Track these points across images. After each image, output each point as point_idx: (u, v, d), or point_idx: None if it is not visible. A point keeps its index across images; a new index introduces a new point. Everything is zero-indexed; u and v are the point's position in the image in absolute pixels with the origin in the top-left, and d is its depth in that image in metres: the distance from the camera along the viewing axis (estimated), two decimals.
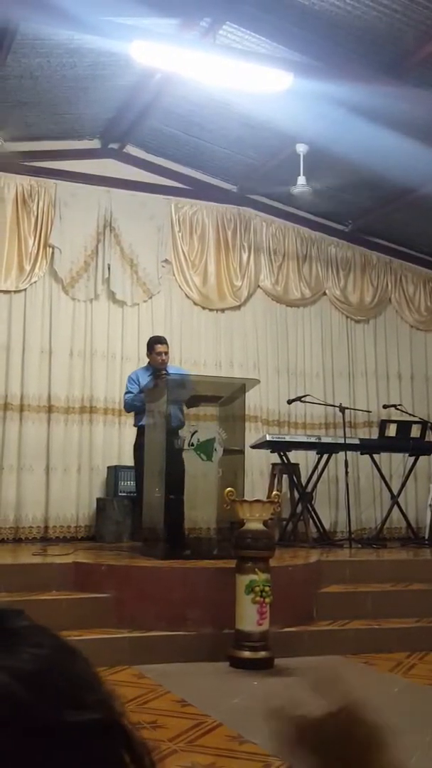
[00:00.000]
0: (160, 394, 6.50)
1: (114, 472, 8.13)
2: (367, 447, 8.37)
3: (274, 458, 8.16)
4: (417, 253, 10.22)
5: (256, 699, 4.28)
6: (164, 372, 6.73)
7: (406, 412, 8.70)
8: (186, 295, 9.01)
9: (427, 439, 8.46)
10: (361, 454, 8.63)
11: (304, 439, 8.30)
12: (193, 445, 6.23)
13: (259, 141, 8.20)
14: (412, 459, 8.41)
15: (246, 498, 5.40)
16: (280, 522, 7.93)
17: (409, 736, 3.68)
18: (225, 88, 6.96)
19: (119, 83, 7.48)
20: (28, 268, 8.28)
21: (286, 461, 7.92)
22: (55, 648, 0.53)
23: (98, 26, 5.88)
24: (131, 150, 8.92)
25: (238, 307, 9.24)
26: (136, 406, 6.91)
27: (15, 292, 8.25)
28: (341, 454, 8.11)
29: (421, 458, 8.54)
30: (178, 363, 8.09)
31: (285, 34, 6.48)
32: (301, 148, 7.89)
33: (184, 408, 6.69)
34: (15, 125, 7.84)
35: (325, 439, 8.23)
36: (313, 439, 8.20)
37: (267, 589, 4.87)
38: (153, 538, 6.32)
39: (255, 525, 5.02)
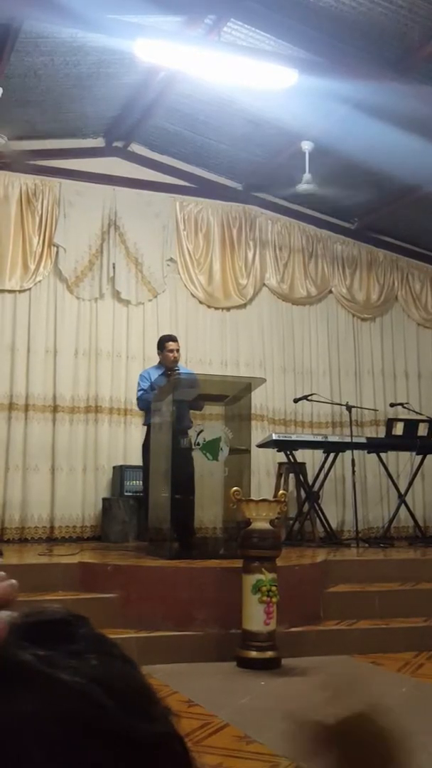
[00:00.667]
0: (169, 392, 6.47)
1: (119, 471, 8.11)
2: (374, 446, 8.34)
3: (281, 457, 8.13)
4: (423, 250, 10.18)
5: (263, 699, 4.26)
6: (176, 370, 6.72)
7: (413, 411, 8.66)
8: (191, 293, 8.99)
9: None
10: (368, 452, 8.60)
11: (310, 438, 8.28)
12: (198, 444, 6.20)
13: (265, 138, 8.18)
14: (420, 458, 8.38)
15: (252, 497, 5.38)
16: (286, 521, 7.90)
17: (417, 736, 3.65)
18: (230, 86, 6.94)
19: (123, 81, 7.46)
20: (32, 267, 8.27)
21: (292, 460, 7.89)
22: (121, 658, 0.53)
23: (102, 24, 5.87)
24: (136, 148, 8.90)
25: (244, 306, 9.21)
26: (149, 402, 6.89)
27: (20, 291, 8.24)
28: (348, 453, 8.08)
29: (429, 457, 8.50)
30: (183, 362, 8.06)
31: (290, 30, 6.45)
32: (307, 146, 7.86)
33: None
34: (19, 124, 7.83)
35: (331, 438, 8.20)
36: (319, 438, 8.17)
37: (274, 588, 4.84)
38: (162, 538, 6.31)
39: (261, 524, 4.99)
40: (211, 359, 8.87)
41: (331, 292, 9.70)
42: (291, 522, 8.05)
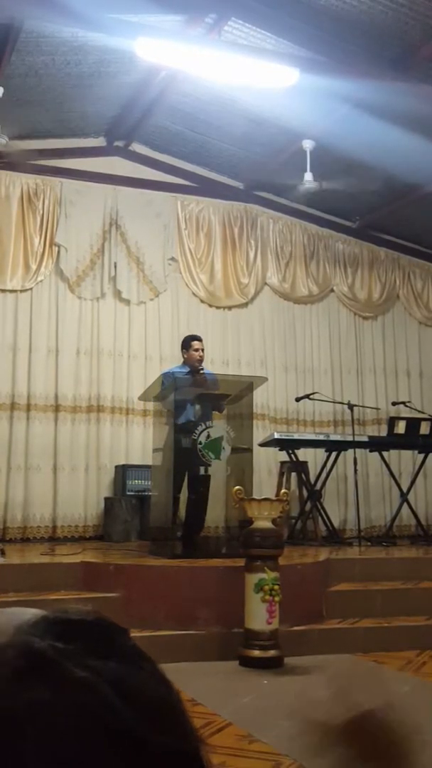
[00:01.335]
0: (170, 393, 6.48)
1: (122, 471, 8.11)
2: (376, 444, 8.34)
3: (283, 456, 8.13)
4: (425, 248, 10.17)
5: (266, 698, 4.26)
6: (201, 370, 6.71)
7: (415, 409, 8.66)
8: (193, 293, 8.99)
9: None
10: (370, 451, 8.59)
11: (312, 436, 8.27)
12: (201, 443, 6.20)
13: (266, 137, 8.17)
14: (422, 456, 8.37)
15: (254, 496, 5.38)
16: (288, 520, 7.89)
17: (420, 735, 3.66)
18: (231, 85, 6.94)
19: (124, 80, 7.46)
20: (34, 267, 8.27)
21: (294, 459, 7.89)
22: (152, 673, 0.52)
23: (103, 23, 5.86)
24: (137, 147, 8.90)
25: (245, 305, 9.21)
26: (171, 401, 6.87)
27: (21, 291, 8.25)
28: (350, 452, 8.08)
29: (431, 455, 8.50)
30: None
31: (291, 29, 6.45)
32: (308, 145, 7.85)
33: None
34: (20, 124, 7.82)
35: (333, 437, 8.19)
36: (321, 437, 8.16)
37: (276, 587, 4.84)
38: (186, 536, 6.41)
39: (264, 523, 5.00)
40: (213, 358, 8.86)
41: (332, 290, 9.70)
42: (293, 521, 8.05)
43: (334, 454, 8.10)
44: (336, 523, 8.50)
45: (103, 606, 5.24)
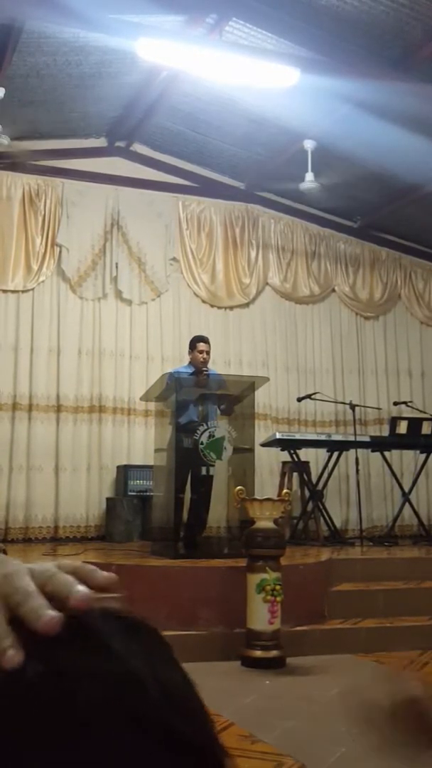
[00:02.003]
0: (172, 393, 6.48)
1: (123, 471, 8.12)
2: (377, 444, 8.33)
3: (284, 456, 8.13)
4: (426, 248, 10.17)
5: (268, 698, 4.26)
6: (205, 371, 6.71)
7: (417, 409, 8.66)
8: (194, 293, 8.99)
9: None
10: (372, 451, 8.59)
11: (314, 436, 8.26)
12: (203, 443, 6.21)
13: (267, 137, 8.17)
14: (423, 456, 8.37)
15: (256, 496, 5.38)
16: (290, 520, 7.90)
17: None
18: (232, 85, 6.94)
19: (125, 81, 7.46)
20: (35, 267, 8.27)
21: (296, 459, 7.89)
22: (185, 676, 0.54)
23: (104, 24, 5.86)
24: (138, 148, 8.90)
25: (247, 305, 9.21)
26: (175, 401, 6.86)
27: (23, 291, 8.25)
28: (352, 452, 8.08)
29: None
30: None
31: (292, 29, 6.45)
32: (309, 145, 7.86)
33: (217, 411, 6.64)
34: (22, 124, 7.83)
35: (335, 437, 8.19)
36: (323, 437, 8.16)
37: (278, 587, 4.84)
38: (188, 536, 6.43)
39: (265, 523, 5.00)
40: (215, 358, 8.82)
41: (334, 290, 9.70)
42: (295, 521, 8.05)
43: (335, 454, 8.10)
44: (338, 523, 8.50)
45: None
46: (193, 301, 9.00)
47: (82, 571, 0.54)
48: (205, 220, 9.14)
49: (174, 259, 8.90)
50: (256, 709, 4.03)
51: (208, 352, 6.89)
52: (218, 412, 6.60)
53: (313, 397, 8.34)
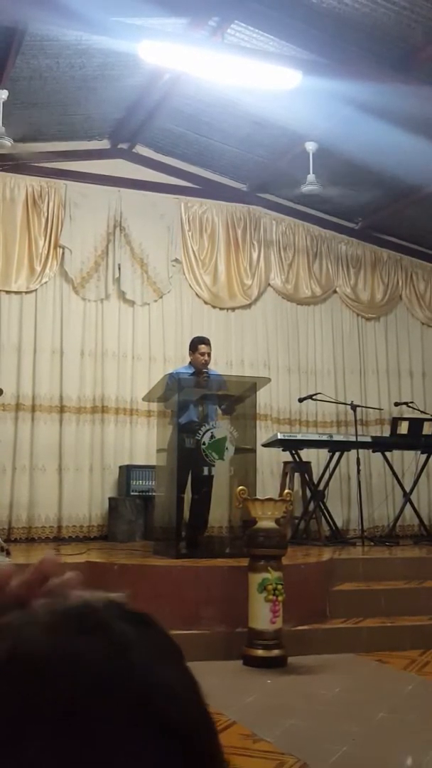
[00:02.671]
0: (173, 394, 6.51)
1: (126, 471, 8.15)
2: (378, 445, 8.35)
3: (286, 456, 8.15)
4: (427, 249, 10.19)
5: (269, 697, 4.29)
6: (205, 372, 6.74)
7: (418, 410, 8.68)
8: (196, 294, 9.02)
9: None
10: (373, 451, 8.61)
11: (315, 437, 8.28)
12: (205, 443, 6.23)
13: (269, 139, 8.20)
14: (425, 456, 8.39)
15: (258, 497, 5.40)
16: (292, 520, 7.92)
17: (423, 734, 3.68)
18: (234, 87, 6.96)
19: (128, 83, 7.49)
20: (38, 268, 8.30)
21: (297, 459, 7.91)
22: (186, 671, 0.55)
23: (107, 27, 5.89)
24: (141, 150, 8.93)
25: (249, 306, 9.24)
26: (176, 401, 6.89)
27: (26, 292, 8.28)
28: (353, 452, 8.10)
29: None
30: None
31: (293, 31, 6.47)
32: (311, 146, 7.88)
33: (218, 411, 6.66)
34: (24, 126, 7.86)
35: (336, 437, 8.21)
36: (324, 437, 8.18)
37: (280, 587, 4.87)
38: (190, 537, 6.46)
39: (267, 523, 5.02)
40: (216, 359, 8.86)
41: (335, 291, 9.72)
42: (296, 521, 8.08)
43: (337, 454, 8.12)
44: (339, 523, 8.53)
45: None
46: (195, 302, 9.03)
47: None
48: (207, 221, 9.16)
49: (176, 260, 8.93)
50: (258, 708, 4.05)
51: (209, 354, 6.91)
52: (219, 412, 6.64)
53: (314, 397, 8.36)
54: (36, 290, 8.32)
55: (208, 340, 7.05)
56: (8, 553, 6.30)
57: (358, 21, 6.26)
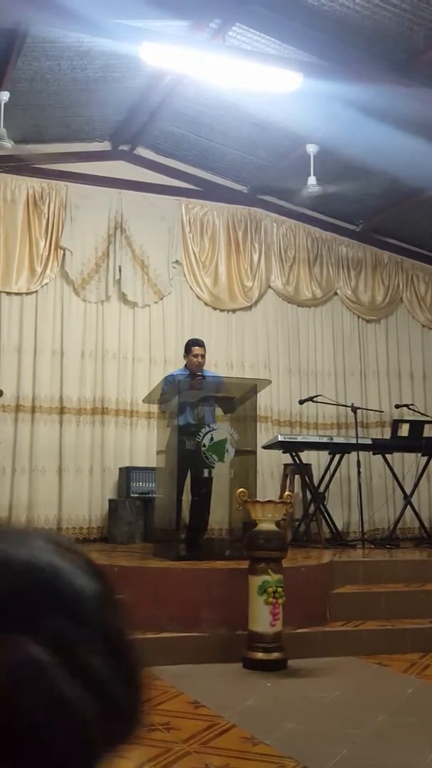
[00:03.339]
0: (174, 395, 6.51)
1: (126, 473, 8.14)
2: (379, 447, 8.35)
3: (286, 459, 8.15)
4: (428, 252, 10.20)
5: (269, 700, 4.28)
6: (199, 375, 6.74)
7: (419, 412, 8.68)
8: (197, 295, 9.02)
9: None
10: (374, 454, 8.61)
11: (316, 439, 8.28)
12: (205, 445, 6.23)
13: (270, 141, 8.20)
14: (425, 459, 8.38)
15: (258, 499, 5.40)
16: (292, 522, 7.92)
17: (423, 737, 3.68)
18: (235, 89, 6.97)
19: (129, 85, 7.49)
20: (39, 270, 8.31)
21: (298, 462, 7.91)
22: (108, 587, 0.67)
23: (108, 29, 5.90)
24: (142, 152, 8.94)
25: (249, 308, 9.24)
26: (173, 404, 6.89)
27: (26, 293, 8.29)
28: (353, 454, 8.09)
29: None
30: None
31: (295, 34, 6.48)
32: (312, 149, 7.88)
33: (215, 412, 6.66)
34: (26, 128, 7.87)
35: (337, 439, 8.20)
36: (325, 440, 8.17)
37: (280, 589, 4.86)
38: (190, 539, 6.47)
39: (267, 526, 5.02)
40: (217, 361, 8.89)
41: (336, 293, 9.73)
42: (297, 523, 8.08)
43: (337, 456, 8.12)
44: (339, 525, 8.52)
45: None
46: (196, 304, 9.03)
47: None
48: (208, 223, 9.17)
49: (177, 262, 8.93)
50: (258, 711, 4.05)
51: (203, 356, 6.92)
52: (218, 412, 6.64)
53: (315, 399, 8.36)
54: (36, 291, 8.33)
55: (202, 342, 7.06)
56: None
57: (360, 23, 6.27)
